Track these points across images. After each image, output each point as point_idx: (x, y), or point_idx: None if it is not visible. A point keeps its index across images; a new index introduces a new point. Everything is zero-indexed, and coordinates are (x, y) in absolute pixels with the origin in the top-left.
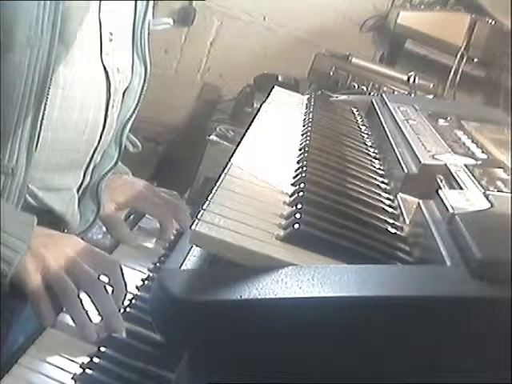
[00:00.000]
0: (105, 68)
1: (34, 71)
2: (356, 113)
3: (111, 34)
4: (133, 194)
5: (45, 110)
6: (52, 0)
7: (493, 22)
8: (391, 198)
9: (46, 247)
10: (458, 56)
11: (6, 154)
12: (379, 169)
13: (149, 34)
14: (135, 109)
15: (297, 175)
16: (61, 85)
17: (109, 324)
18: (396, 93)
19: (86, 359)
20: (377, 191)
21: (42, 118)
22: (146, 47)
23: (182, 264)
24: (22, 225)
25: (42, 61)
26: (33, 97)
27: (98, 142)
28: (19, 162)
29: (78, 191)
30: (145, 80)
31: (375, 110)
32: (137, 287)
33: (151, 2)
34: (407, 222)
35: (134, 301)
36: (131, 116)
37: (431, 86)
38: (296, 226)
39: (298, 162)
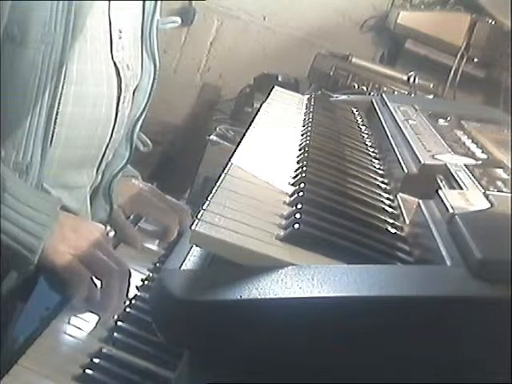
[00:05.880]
0: (115, 64)
1: (47, 67)
2: (356, 113)
3: (120, 31)
4: (138, 200)
5: (59, 106)
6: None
7: (493, 22)
8: (391, 198)
9: (75, 230)
10: (458, 56)
11: (21, 150)
12: (379, 169)
13: (157, 32)
14: (145, 107)
15: (297, 175)
16: (74, 81)
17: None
18: (396, 93)
19: (86, 359)
20: (377, 191)
21: (56, 115)
22: (155, 46)
23: (182, 264)
24: (48, 202)
25: (56, 57)
26: (47, 93)
27: (110, 139)
28: (33, 159)
29: (90, 190)
30: (154, 78)
31: (375, 109)
32: (137, 287)
33: (159, 2)
34: (407, 222)
35: (133, 301)
36: (141, 114)
37: (431, 85)
38: (296, 225)
39: (298, 162)
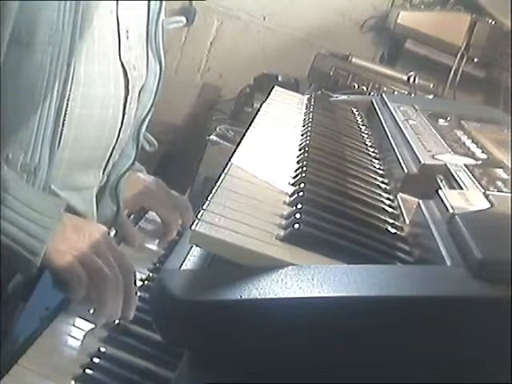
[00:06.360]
0: (123, 65)
1: (55, 69)
2: (356, 113)
3: (127, 31)
4: (142, 191)
5: (67, 107)
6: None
7: (493, 22)
8: (391, 198)
9: (77, 231)
10: (458, 56)
11: (29, 152)
12: (379, 169)
13: (163, 32)
14: (151, 107)
15: (297, 175)
16: (82, 82)
17: (123, 309)
18: (396, 93)
19: (86, 359)
20: (377, 191)
21: (65, 116)
22: (161, 46)
23: (182, 264)
24: (52, 205)
25: (64, 58)
26: (55, 94)
27: (117, 140)
28: (41, 161)
29: (97, 190)
30: (160, 79)
31: (375, 110)
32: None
33: (164, 2)
34: (407, 222)
35: None
36: (147, 115)
37: (431, 85)
38: (296, 225)
39: (298, 162)
